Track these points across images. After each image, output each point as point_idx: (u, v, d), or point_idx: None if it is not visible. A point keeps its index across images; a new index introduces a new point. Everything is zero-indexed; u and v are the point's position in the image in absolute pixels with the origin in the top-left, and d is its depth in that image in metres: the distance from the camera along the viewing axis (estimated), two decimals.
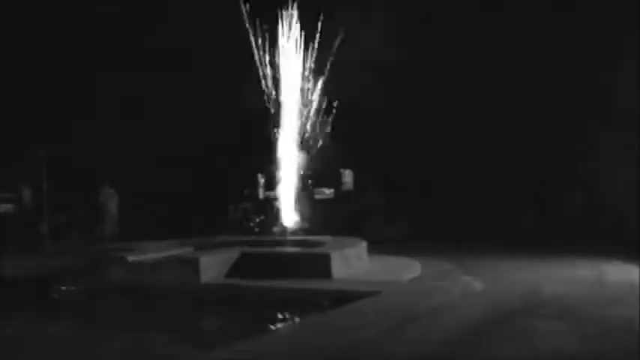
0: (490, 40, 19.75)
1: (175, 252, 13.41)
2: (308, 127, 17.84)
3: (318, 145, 17.88)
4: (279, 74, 17.67)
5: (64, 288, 12.98)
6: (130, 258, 12.76)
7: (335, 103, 18.01)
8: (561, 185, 19.70)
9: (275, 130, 17.60)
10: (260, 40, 17.71)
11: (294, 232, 16.67)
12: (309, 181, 18.90)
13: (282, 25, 17.66)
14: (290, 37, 17.67)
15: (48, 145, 19.86)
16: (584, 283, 11.64)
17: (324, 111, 17.90)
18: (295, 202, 17.45)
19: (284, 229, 16.92)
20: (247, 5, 17.67)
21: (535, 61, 19.37)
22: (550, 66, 19.32)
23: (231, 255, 12.84)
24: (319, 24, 17.50)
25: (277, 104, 17.70)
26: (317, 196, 19.74)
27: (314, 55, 17.65)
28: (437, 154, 20.73)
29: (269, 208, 17.91)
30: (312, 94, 17.85)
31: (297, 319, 10.00)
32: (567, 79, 19.15)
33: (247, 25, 17.63)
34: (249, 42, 17.68)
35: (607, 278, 12.14)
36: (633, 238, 15.30)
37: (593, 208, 18.74)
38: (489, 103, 19.77)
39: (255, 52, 17.71)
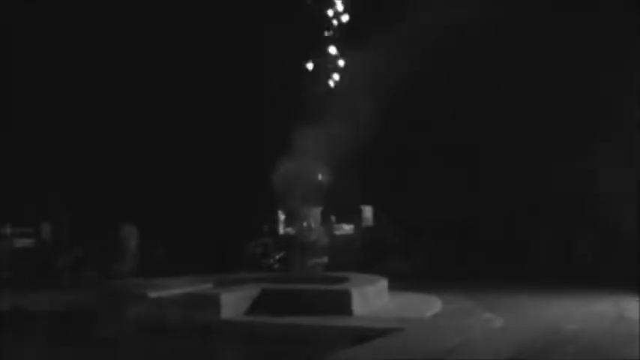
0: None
1: (195, 288, 13.46)
2: None
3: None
4: None
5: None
6: (151, 294, 12.84)
7: None
8: (577, 220, 19.65)
9: None
10: None
11: (314, 269, 16.69)
12: (331, 217, 18.96)
13: None
14: None
15: (68, 180, 20.08)
16: (604, 319, 11.59)
17: None
18: (316, 238, 17.51)
19: (304, 265, 16.94)
20: None
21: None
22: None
23: (252, 291, 12.87)
24: None
25: None
26: (337, 232, 19.75)
27: None
28: (455, 191, 20.81)
29: (289, 245, 17.95)
30: None
31: (318, 356, 10.02)
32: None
33: None
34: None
35: (628, 315, 12.07)
36: None
37: (611, 241, 18.63)
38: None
39: None
